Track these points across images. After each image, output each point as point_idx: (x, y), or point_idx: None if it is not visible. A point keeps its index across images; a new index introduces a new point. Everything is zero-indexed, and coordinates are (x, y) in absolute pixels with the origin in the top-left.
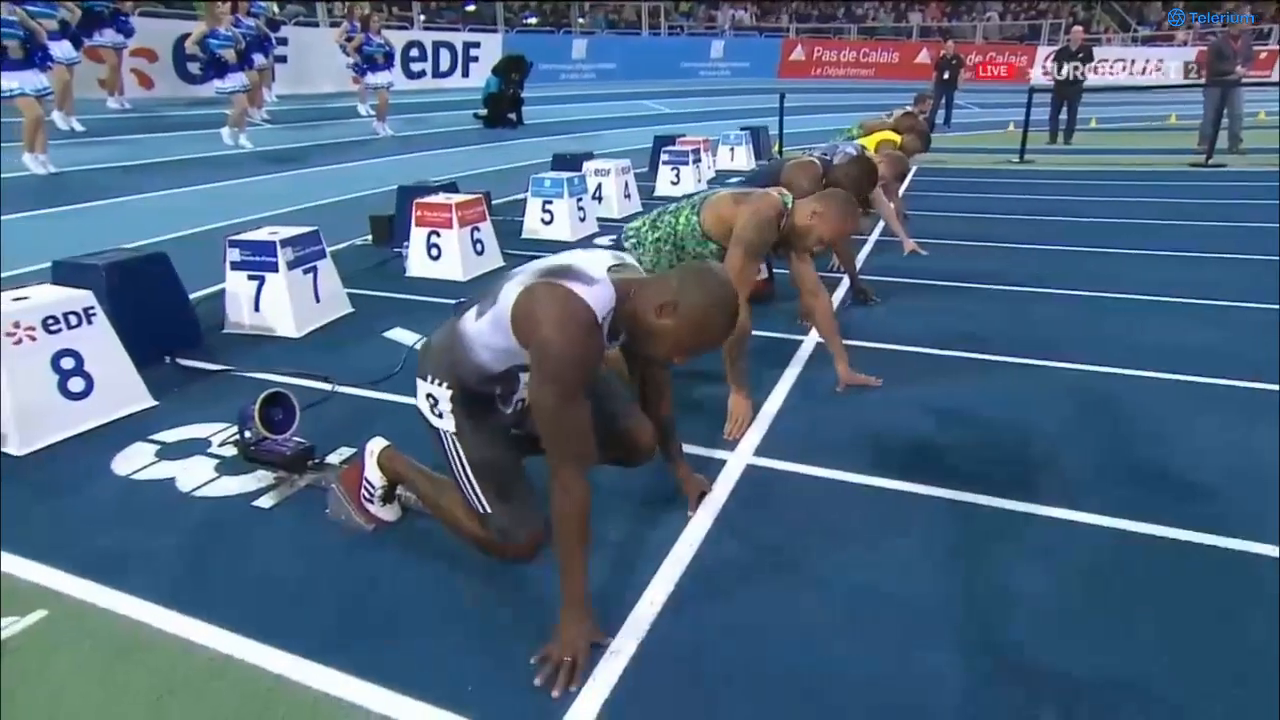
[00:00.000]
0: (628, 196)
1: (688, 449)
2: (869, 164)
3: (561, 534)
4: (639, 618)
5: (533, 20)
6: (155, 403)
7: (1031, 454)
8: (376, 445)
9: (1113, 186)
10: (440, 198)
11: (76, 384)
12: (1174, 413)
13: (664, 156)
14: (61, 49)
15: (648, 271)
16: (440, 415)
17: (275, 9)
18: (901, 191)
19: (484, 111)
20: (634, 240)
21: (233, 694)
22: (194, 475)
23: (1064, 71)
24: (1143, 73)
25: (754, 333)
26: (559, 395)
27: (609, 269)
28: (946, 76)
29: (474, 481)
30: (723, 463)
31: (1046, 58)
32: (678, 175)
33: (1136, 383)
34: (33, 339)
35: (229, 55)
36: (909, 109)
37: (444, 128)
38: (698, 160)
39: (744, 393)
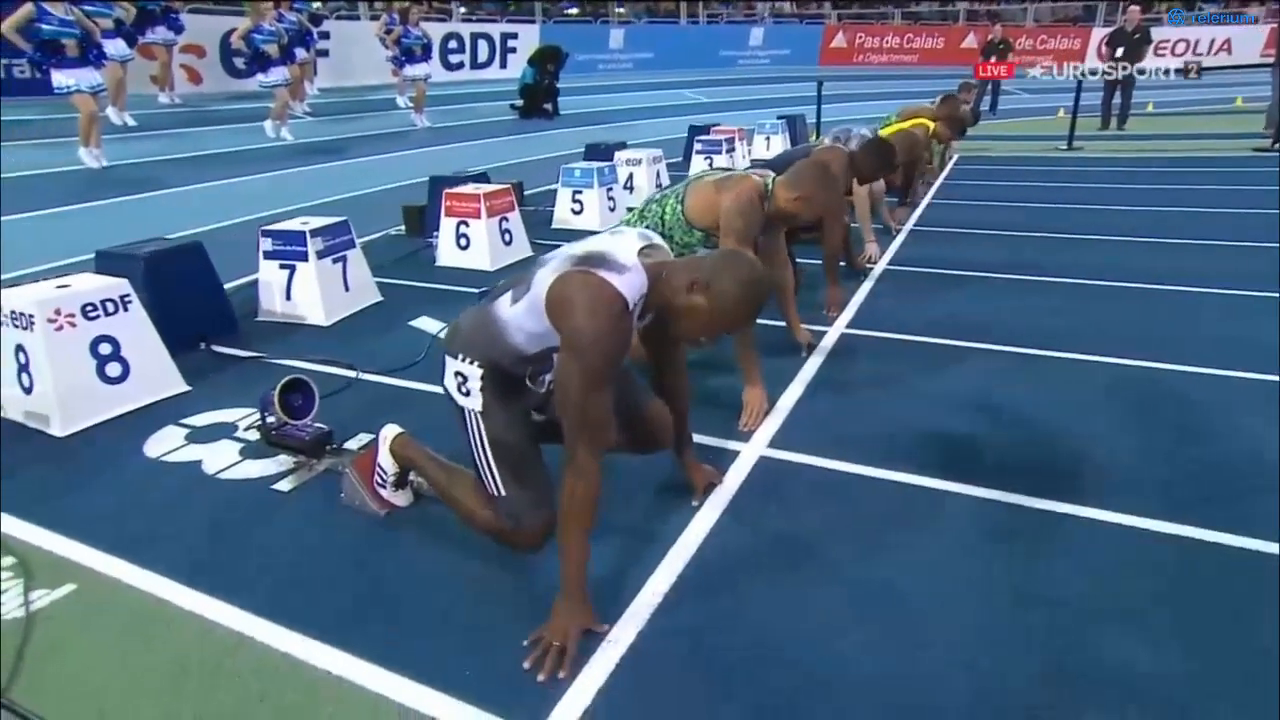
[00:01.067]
0: (659, 186)
1: (702, 439)
2: (887, 147)
3: (568, 516)
4: (640, 607)
5: (573, 10)
6: (188, 388)
7: (1059, 451)
8: (390, 432)
9: (1166, 174)
10: (469, 188)
11: (114, 369)
12: (1220, 409)
13: (697, 146)
14: (115, 47)
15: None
16: (468, 394)
17: (319, 4)
18: (939, 181)
19: (520, 102)
20: None
21: (245, 671)
22: (219, 458)
23: (1118, 54)
24: (1209, 53)
25: (776, 323)
26: (585, 381)
27: (640, 251)
28: (994, 61)
29: (492, 462)
30: (736, 454)
31: (1102, 40)
32: (711, 165)
33: (1178, 378)
34: (73, 325)
35: (272, 50)
36: (953, 95)
37: (480, 119)
38: (731, 149)
39: (758, 384)
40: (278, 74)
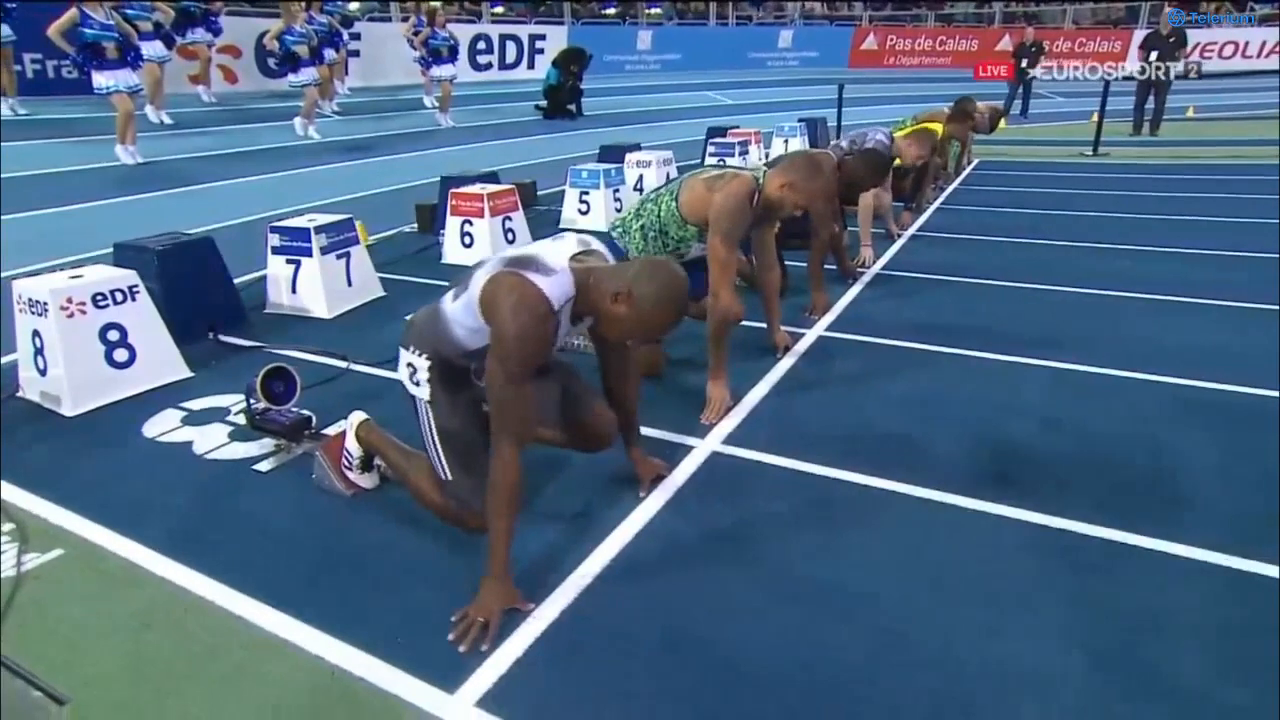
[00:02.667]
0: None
1: (660, 433)
2: (881, 159)
3: (492, 501)
4: (568, 588)
5: (610, 11)
6: (191, 374)
7: (1011, 456)
8: (356, 418)
9: (1195, 181)
10: (475, 188)
11: (121, 354)
12: (1184, 424)
13: (710, 148)
14: (154, 48)
15: (631, 258)
16: (418, 384)
17: (353, 7)
18: (954, 186)
19: (544, 103)
20: (620, 229)
21: (201, 629)
22: (209, 440)
23: (1152, 56)
24: (1259, 56)
25: (754, 324)
26: (506, 375)
27: (571, 258)
28: (1025, 64)
29: (440, 448)
30: (690, 449)
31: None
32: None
33: (1153, 389)
34: (83, 313)
35: (302, 51)
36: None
37: (505, 119)
38: (744, 152)
39: (722, 380)
40: (307, 74)
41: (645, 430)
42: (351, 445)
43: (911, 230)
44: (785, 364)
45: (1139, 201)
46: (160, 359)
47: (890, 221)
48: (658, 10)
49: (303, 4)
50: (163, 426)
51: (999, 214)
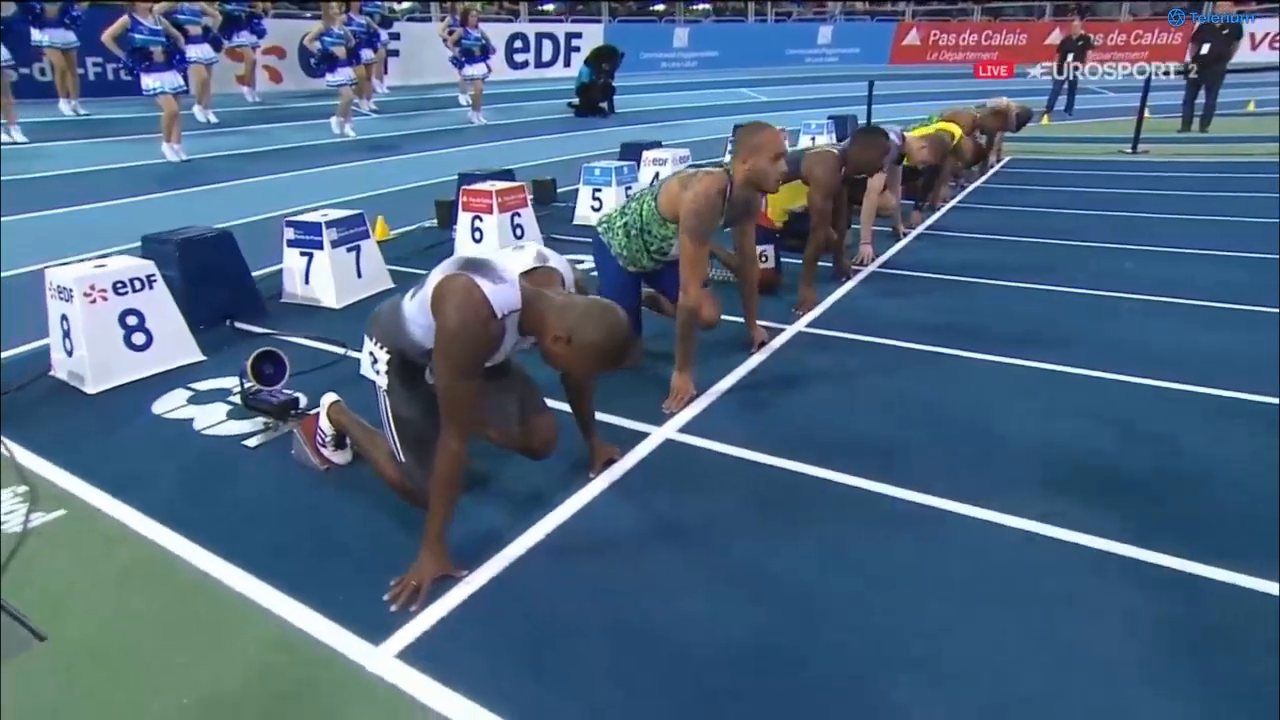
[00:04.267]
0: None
1: (618, 420)
2: (876, 137)
3: (434, 482)
4: (501, 559)
5: (659, 8)
6: (203, 358)
7: (965, 453)
8: (328, 400)
9: (1238, 180)
10: (485, 185)
11: (138, 338)
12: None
13: (728, 145)
14: (201, 50)
15: (619, 256)
16: (378, 373)
17: (393, 7)
18: (978, 183)
19: (576, 100)
20: (605, 226)
21: (175, 582)
22: (208, 417)
23: (1203, 50)
24: None
25: (734, 318)
26: (450, 370)
27: (524, 272)
28: (1071, 59)
29: (395, 432)
30: (645, 435)
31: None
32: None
33: (1130, 389)
34: (104, 299)
35: (339, 51)
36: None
37: (536, 116)
38: None
39: (687, 371)
40: (343, 74)
41: (607, 416)
42: (324, 424)
43: (920, 229)
44: (758, 358)
45: (1169, 201)
46: (175, 343)
47: (898, 221)
48: (704, 6)
49: (342, 6)
50: (170, 404)
51: (1016, 213)
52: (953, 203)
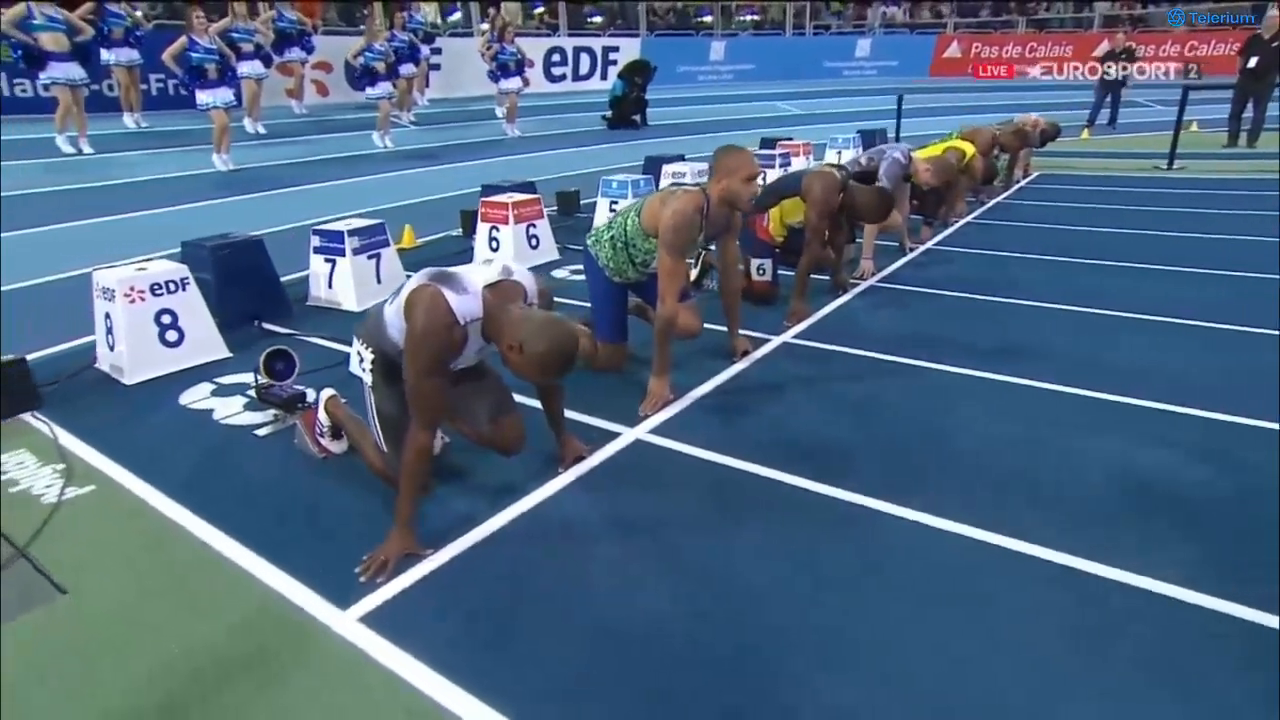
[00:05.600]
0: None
1: (591, 419)
2: (886, 198)
3: (403, 471)
4: (465, 540)
5: (707, 19)
6: (230, 354)
7: (927, 464)
8: (326, 393)
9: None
10: (503, 197)
11: (172, 335)
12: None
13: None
14: (252, 66)
15: (606, 268)
16: (364, 371)
17: (436, 23)
18: (999, 199)
19: (609, 113)
20: (594, 240)
21: (178, 550)
22: (227, 408)
23: (1250, 63)
24: None
25: (718, 327)
26: (415, 370)
27: (488, 285)
28: (1114, 72)
29: (377, 426)
30: (617, 435)
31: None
32: (764, 179)
33: (1089, 404)
34: (142, 300)
35: (380, 66)
36: (1029, 124)
37: (570, 129)
38: (786, 164)
39: (663, 377)
40: (382, 88)
41: (581, 415)
42: (322, 416)
43: (928, 245)
44: (739, 367)
45: (1198, 220)
46: (204, 340)
47: (905, 237)
48: (753, 17)
49: (386, 23)
50: (195, 396)
51: (1033, 230)
52: (969, 218)
